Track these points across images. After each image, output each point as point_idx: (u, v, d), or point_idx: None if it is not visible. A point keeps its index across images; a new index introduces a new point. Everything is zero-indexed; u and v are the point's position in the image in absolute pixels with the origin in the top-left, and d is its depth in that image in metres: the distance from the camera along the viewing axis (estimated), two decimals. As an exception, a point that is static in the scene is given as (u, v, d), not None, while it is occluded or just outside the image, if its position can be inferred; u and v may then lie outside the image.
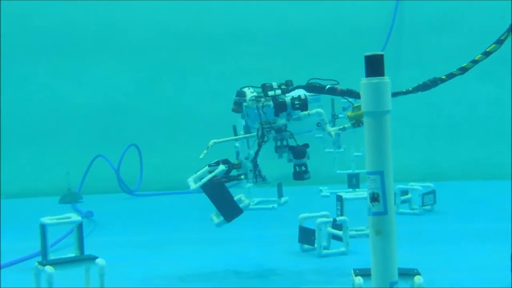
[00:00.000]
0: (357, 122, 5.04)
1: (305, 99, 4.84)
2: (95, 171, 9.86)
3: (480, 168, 10.60)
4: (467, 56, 11.77)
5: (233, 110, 5.04)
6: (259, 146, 4.89)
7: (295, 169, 4.94)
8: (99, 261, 4.29)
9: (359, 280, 3.74)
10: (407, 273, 3.79)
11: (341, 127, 5.14)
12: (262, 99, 4.87)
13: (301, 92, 4.87)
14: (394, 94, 3.91)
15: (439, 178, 9.88)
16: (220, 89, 10.54)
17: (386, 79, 2.81)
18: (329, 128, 5.04)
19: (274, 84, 5.04)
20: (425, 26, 10.99)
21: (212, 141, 4.98)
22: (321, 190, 9.36)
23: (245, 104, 4.96)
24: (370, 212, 2.83)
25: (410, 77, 10.83)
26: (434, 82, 3.71)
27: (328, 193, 8.97)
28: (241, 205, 4.96)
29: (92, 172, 9.85)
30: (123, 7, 10.85)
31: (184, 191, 9.73)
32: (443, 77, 3.52)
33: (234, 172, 5.00)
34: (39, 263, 4.26)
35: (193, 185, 4.90)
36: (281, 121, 4.90)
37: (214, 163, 4.93)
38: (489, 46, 3.45)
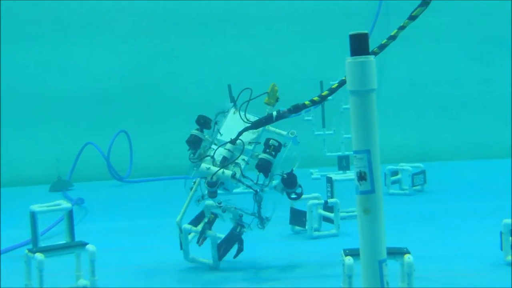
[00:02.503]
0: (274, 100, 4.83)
1: (278, 144, 4.60)
2: (85, 158, 9.84)
3: (469, 148, 10.64)
4: (455, 35, 11.86)
5: (211, 198, 4.61)
6: (259, 204, 4.69)
7: (289, 195, 4.77)
8: (90, 247, 4.30)
9: (349, 260, 3.75)
10: (397, 252, 3.81)
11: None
12: (236, 170, 4.52)
13: (252, 136, 4.65)
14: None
15: (429, 158, 9.92)
16: (209, 74, 10.55)
17: (371, 57, 2.81)
18: (283, 132, 4.80)
19: (199, 134, 4.75)
20: (412, 6, 10.97)
21: (177, 220, 4.76)
22: (311, 173, 9.37)
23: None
24: (358, 191, 2.83)
25: (398, 57, 10.95)
26: (380, 49, 3.63)
27: (319, 176, 8.98)
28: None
29: (82, 159, 9.84)
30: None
31: (174, 177, 9.75)
32: (375, 49, 3.47)
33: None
34: (29, 250, 4.25)
35: (211, 261, 4.77)
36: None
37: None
38: (415, 10, 3.41)
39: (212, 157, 4.57)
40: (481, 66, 10.97)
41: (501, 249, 4.58)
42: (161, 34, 10.85)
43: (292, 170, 4.64)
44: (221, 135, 4.74)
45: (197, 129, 4.79)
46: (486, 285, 4.22)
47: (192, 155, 4.72)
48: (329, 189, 6.23)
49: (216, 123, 4.81)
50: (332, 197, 6.06)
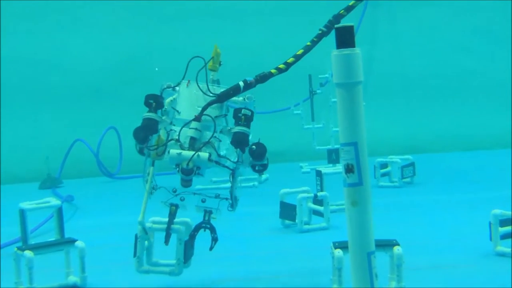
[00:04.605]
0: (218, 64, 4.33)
1: (251, 113, 4.09)
2: (74, 155, 9.82)
3: (458, 140, 10.68)
4: (442, 27, 11.81)
5: (186, 187, 4.04)
6: (234, 179, 4.14)
7: (255, 168, 4.16)
8: (79, 243, 4.30)
9: (338, 252, 3.76)
10: (387, 244, 3.82)
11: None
12: (210, 151, 3.98)
13: (216, 110, 4.06)
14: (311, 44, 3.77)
15: (418, 150, 9.94)
16: (197, 69, 10.52)
17: (357, 50, 2.79)
18: (239, 99, 4.18)
19: (154, 116, 4.15)
20: (402, 1, 11.00)
21: (140, 219, 4.14)
22: (301, 167, 9.38)
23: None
24: (345, 183, 2.83)
25: (386, 50, 10.96)
26: (337, 19, 3.60)
27: (309, 169, 8.99)
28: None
29: (72, 157, 9.81)
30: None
31: (163, 173, 9.73)
32: (342, 11, 3.43)
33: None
34: (19, 248, 4.24)
35: (171, 269, 4.24)
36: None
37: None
38: None
39: (178, 140, 4.00)
40: (468, 58, 11.00)
41: (490, 240, 4.60)
42: (151, 28, 10.83)
43: (259, 140, 4.09)
44: (179, 113, 4.14)
45: (149, 111, 4.18)
46: (476, 275, 4.24)
47: (142, 143, 4.14)
48: (318, 183, 6.22)
49: (163, 99, 4.22)
50: (321, 190, 6.06)
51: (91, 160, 9.64)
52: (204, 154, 3.93)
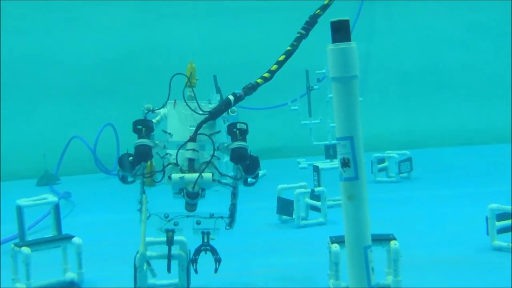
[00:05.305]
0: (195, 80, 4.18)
1: (244, 128, 3.93)
2: (71, 152, 9.81)
3: (454, 134, 10.69)
4: (438, 23, 11.82)
5: (191, 211, 3.88)
6: (236, 196, 4.04)
7: (246, 181, 3.99)
8: (76, 240, 4.30)
9: (335, 247, 3.76)
10: (384, 239, 3.82)
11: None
12: (212, 171, 3.80)
13: (208, 127, 3.88)
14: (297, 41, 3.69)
15: (415, 145, 9.95)
16: (196, 65, 10.51)
17: (353, 44, 2.79)
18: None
19: (148, 141, 3.89)
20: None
21: (141, 251, 3.89)
22: (299, 162, 9.38)
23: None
24: (342, 177, 2.82)
25: (383, 46, 10.96)
26: (313, 19, 3.56)
27: (306, 165, 8.99)
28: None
29: (69, 153, 9.81)
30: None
31: (161, 170, 9.72)
32: (318, 11, 3.41)
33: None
34: (16, 244, 4.24)
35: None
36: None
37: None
38: None
39: (177, 163, 3.80)
40: (465, 53, 11.01)
41: (487, 234, 4.61)
42: (148, 25, 10.82)
43: (250, 152, 3.90)
44: (171, 136, 3.95)
45: (140, 137, 3.92)
46: (473, 269, 4.24)
47: (130, 171, 3.90)
48: (316, 178, 6.23)
49: (151, 122, 4.00)
50: (319, 185, 6.06)
51: (88, 157, 9.64)
52: (207, 175, 3.76)
